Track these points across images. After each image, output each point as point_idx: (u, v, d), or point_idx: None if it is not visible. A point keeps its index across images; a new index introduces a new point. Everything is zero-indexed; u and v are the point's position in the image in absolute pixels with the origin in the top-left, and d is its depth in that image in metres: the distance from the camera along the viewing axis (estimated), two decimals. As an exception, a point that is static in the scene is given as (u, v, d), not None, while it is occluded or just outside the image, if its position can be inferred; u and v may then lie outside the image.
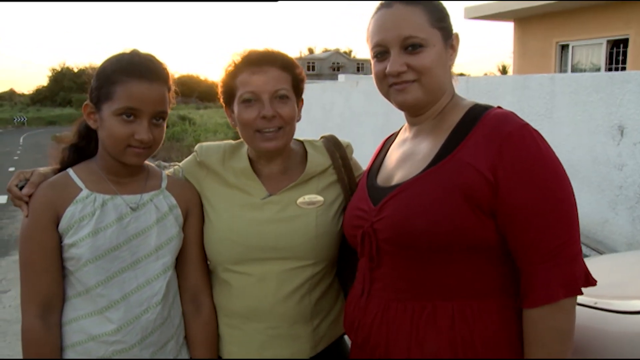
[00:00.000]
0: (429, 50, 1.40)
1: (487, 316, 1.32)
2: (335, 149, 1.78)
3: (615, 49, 10.68)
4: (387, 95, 1.50)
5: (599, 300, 1.58)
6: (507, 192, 1.27)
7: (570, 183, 1.31)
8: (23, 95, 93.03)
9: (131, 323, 1.56)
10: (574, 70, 11.22)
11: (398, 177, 1.45)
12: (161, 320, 1.61)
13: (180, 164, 1.80)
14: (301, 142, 1.81)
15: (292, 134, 1.69)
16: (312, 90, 9.86)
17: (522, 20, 11.98)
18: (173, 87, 1.63)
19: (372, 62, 1.50)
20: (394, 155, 1.56)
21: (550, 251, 1.25)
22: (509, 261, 1.33)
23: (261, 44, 1.81)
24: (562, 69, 11.44)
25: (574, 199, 1.30)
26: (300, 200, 1.67)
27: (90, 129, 1.62)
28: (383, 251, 1.40)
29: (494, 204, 1.28)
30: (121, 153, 1.54)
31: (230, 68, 1.66)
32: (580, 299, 1.27)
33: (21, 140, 32.62)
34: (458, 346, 1.30)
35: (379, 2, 1.48)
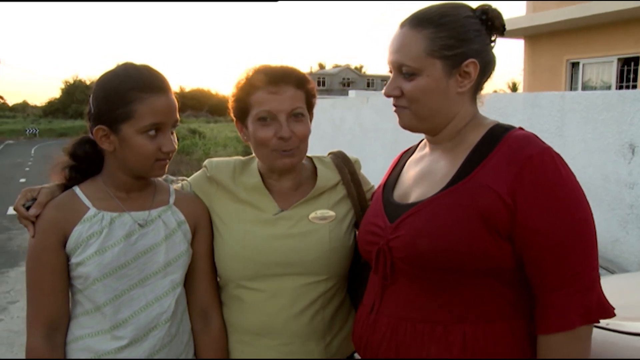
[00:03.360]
0: (421, 79, 1.39)
1: (500, 340, 1.30)
2: (344, 164, 1.79)
3: (626, 67, 10.65)
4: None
5: (611, 322, 1.57)
6: (525, 217, 1.25)
7: (590, 209, 1.29)
8: (36, 107, 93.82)
9: (139, 340, 1.55)
10: (584, 88, 11.20)
11: (415, 195, 1.43)
12: (169, 338, 1.59)
13: (189, 179, 1.79)
14: (310, 159, 1.81)
15: (307, 150, 1.70)
16: (322, 105, 9.87)
17: (533, 37, 11.98)
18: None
19: None
20: (411, 171, 1.54)
21: (568, 278, 1.24)
22: (523, 285, 1.31)
23: (272, 58, 1.84)
24: (572, 86, 11.42)
25: (594, 225, 1.28)
26: (312, 215, 1.67)
27: (90, 153, 1.60)
28: (397, 269, 1.38)
29: (512, 228, 1.26)
30: (149, 168, 1.55)
31: (245, 84, 1.65)
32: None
33: (32, 151, 32.81)
34: None
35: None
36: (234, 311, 1.70)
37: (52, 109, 79.91)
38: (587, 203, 1.29)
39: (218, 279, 1.75)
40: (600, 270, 4.00)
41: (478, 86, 1.46)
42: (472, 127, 1.43)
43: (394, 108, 1.46)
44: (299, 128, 1.62)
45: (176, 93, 1.61)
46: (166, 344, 1.58)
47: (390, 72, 1.45)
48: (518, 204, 1.25)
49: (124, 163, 1.56)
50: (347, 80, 73.65)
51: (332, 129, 9.68)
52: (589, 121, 5.01)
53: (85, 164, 1.62)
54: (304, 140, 1.65)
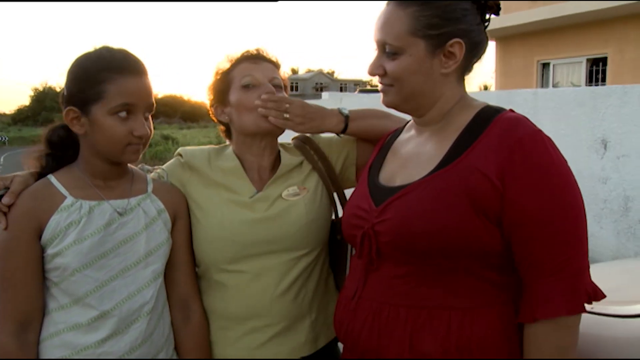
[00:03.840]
0: (404, 59, 1.36)
1: (485, 326, 1.26)
2: (304, 143, 1.84)
3: (594, 67, 10.89)
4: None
5: (595, 305, 1.57)
6: (514, 200, 1.22)
7: (580, 194, 1.26)
8: (4, 115, 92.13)
9: (120, 333, 1.49)
10: (554, 87, 11.40)
11: (402, 178, 1.39)
12: (150, 330, 1.54)
13: (164, 166, 1.77)
14: None
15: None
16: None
17: (504, 39, 12.16)
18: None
19: None
20: (397, 153, 1.51)
21: (556, 265, 1.21)
22: (511, 270, 1.29)
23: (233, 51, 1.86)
24: (543, 86, 11.62)
25: (584, 210, 1.25)
26: (285, 193, 1.69)
27: (64, 137, 1.56)
28: (382, 254, 1.34)
29: (501, 211, 1.23)
30: (120, 152, 1.49)
31: (227, 63, 1.74)
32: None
33: (1, 159, 32.19)
34: (452, 354, 1.25)
35: None
36: (216, 298, 1.68)
37: (22, 117, 78.60)
38: (578, 187, 1.26)
39: (197, 268, 1.73)
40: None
41: (466, 67, 1.43)
42: (460, 108, 1.40)
43: (380, 87, 1.44)
44: (282, 94, 1.70)
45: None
46: (147, 337, 1.53)
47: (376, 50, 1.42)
48: (507, 186, 1.22)
49: (95, 147, 1.51)
50: (320, 85, 73.75)
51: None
52: (561, 117, 5.07)
53: (60, 151, 1.56)
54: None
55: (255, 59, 1.73)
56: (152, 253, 1.56)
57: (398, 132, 1.61)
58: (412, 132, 1.52)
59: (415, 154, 1.43)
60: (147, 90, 1.51)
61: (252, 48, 1.76)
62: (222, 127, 1.81)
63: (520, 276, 1.27)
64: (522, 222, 1.22)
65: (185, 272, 1.66)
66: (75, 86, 1.48)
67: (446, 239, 1.24)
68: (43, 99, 76.85)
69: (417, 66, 1.36)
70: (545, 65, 11.63)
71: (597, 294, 1.24)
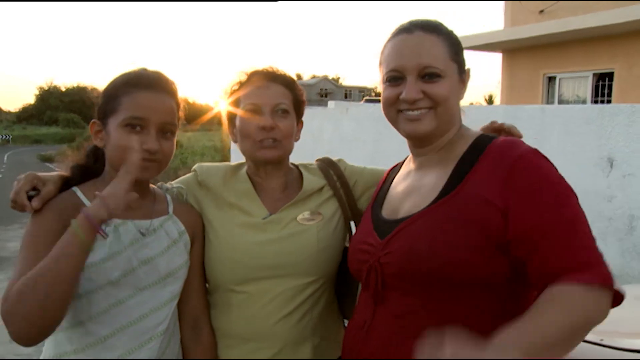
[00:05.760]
0: (445, 81, 1.39)
1: None
2: (329, 167, 1.82)
3: (601, 82, 10.86)
4: (394, 121, 1.47)
5: (605, 338, 1.55)
6: (520, 215, 1.22)
7: (580, 206, 1.26)
8: (10, 112, 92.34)
9: (133, 351, 1.48)
10: (560, 102, 11.38)
11: (405, 210, 1.41)
12: (163, 350, 1.54)
13: (179, 181, 1.77)
14: (296, 166, 1.84)
15: (290, 149, 1.73)
16: (301, 115, 9.85)
17: (510, 51, 12.15)
18: (182, 105, 1.60)
19: (383, 86, 1.47)
20: (399, 187, 1.52)
21: (580, 256, 1.17)
22: (516, 299, 1.28)
23: (249, 68, 1.82)
24: (549, 100, 11.60)
25: (587, 222, 1.25)
26: (300, 217, 1.68)
27: (97, 150, 1.58)
28: (389, 286, 1.35)
29: (508, 232, 1.23)
30: None
31: (237, 84, 1.73)
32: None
33: (5, 158, 32.30)
34: None
35: (398, 26, 1.46)
36: (222, 317, 1.69)
37: (26, 115, 78.73)
38: (576, 196, 1.27)
39: (207, 285, 1.73)
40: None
41: None
42: (458, 138, 1.44)
43: (412, 116, 1.41)
44: (283, 123, 1.67)
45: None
46: (159, 356, 1.53)
47: (399, 78, 1.41)
48: (510, 205, 1.23)
49: (110, 161, 1.52)
50: (325, 91, 73.99)
51: (311, 139, 9.65)
52: (568, 134, 5.06)
53: (92, 161, 1.59)
54: (287, 135, 1.69)
55: (261, 80, 1.70)
56: (172, 274, 1.56)
57: (398, 167, 1.64)
58: (411, 166, 1.54)
59: (416, 187, 1.44)
60: (162, 108, 1.51)
61: (262, 67, 1.73)
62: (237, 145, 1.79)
63: (545, 285, 1.19)
64: (533, 232, 1.21)
65: (197, 291, 1.67)
66: (101, 99, 1.53)
67: (451, 267, 1.24)
68: (48, 98, 77.02)
69: (455, 89, 1.42)
70: (552, 79, 11.61)
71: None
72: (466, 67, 1.45)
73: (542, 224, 1.21)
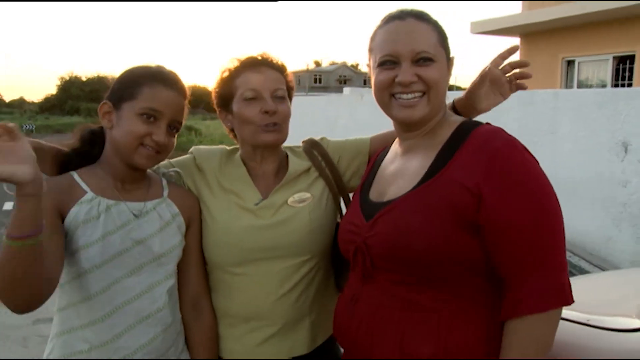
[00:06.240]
0: (437, 65, 1.45)
1: (472, 328, 1.33)
2: (313, 148, 1.87)
3: (621, 65, 10.68)
4: (386, 105, 1.51)
5: (591, 317, 1.58)
6: (493, 206, 1.28)
7: (556, 197, 1.32)
8: (33, 103, 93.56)
9: (133, 328, 1.56)
10: (579, 86, 11.23)
11: (390, 193, 1.47)
12: (163, 327, 1.62)
13: (177, 161, 1.83)
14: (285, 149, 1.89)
15: (288, 132, 1.77)
16: (317, 103, 9.89)
17: (529, 35, 12.01)
18: (188, 106, 1.70)
19: (375, 70, 1.50)
20: (387, 170, 1.58)
21: (538, 264, 1.26)
22: (494, 276, 1.34)
23: (239, 54, 1.84)
24: (567, 84, 11.45)
25: (561, 214, 1.31)
26: (291, 199, 1.74)
27: (95, 135, 1.65)
28: (375, 265, 1.41)
29: (481, 219, 1.29)
30: (132, 152, 1.56)
31: (228, 72, 1.76)
32: (573, 316, 1.26)
33: (29, 147, 32.66)
34: (440, 354, 1.31)
35: (388, 14, 1.51)
36: (222, 297, 1.76)
37: (49, 105, 79.67)
38: (554, 191, 1.32)
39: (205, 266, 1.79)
40: (593, 269, 3.99)
41: None
42: (442, 123, 1.49)
43: (406, 102, 1.45)
44: (281, 107, 1.72)
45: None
46: (160, 333, 1.61)
47: (394, 62, 1.45)
48: (485, 194, 1.28)
49: (115, 144, 1.58)
50: (343, 78, 73.53)
51: (326, 126, 9.68)
52: (581, 119, 5.02)
53: (89, 147, 1.65)
54: (286, 119, 1.74)
55: (259, 66, 1.73)
56: (166, 254, 1.63)
57: (385, 151, 1.69)
58: (398, 150, 1.59)
59: (401, 170, 1.50)
60: (177, 106, 1.62)
61: (256, 53, 1.77)
62: (228, 129, 1.84)
63: (502, 278, 1.32)
64: (502, 226, 1.28)
65: (196, 272, 1.74)
66: (118, 84, 1.61)
67: (432, 249, 1.31)
68: (69, 88, 77.79)
69: (445, 74, 1.48)
70: (570, 63, 11.46)
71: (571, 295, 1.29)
72: (451, 55, 1.51)
73: (510, 217, 1.27)
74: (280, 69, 1.77)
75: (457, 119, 1.49)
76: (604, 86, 10.63)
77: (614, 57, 10.70)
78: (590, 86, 10.96)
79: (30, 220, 1.23)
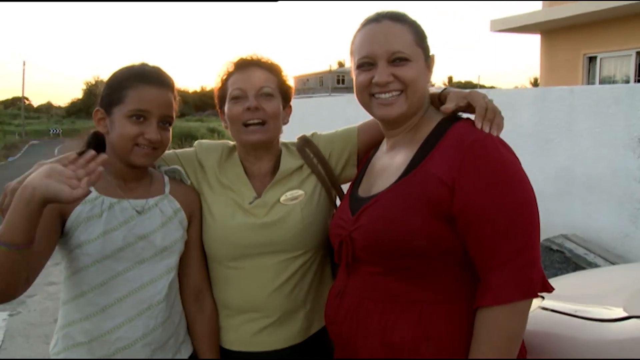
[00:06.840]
0: (413, 65, 1.49)
1: (453, 318, 1.37)
2: (305, 145, 1.90)
3: (645, 60, 10.50)
4: (367, 105, 1.57)
5: (578, 309, 1.59)
6: (464, 197, 1.33)
7: (532, 190, 1.35)
8: (59, 107, 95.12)
9: (133, 319, 1.63)
10: (602, 82, 11.06)
11: (375, 189, 1.53)
12: (162, 319, 1.68)
13: (182, 153, 1.89)
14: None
15: (277, 131, 1.81)
16: (337, 102, 9.92)
17: (549, 32, 11.88)
18: (177, 97, 1.73)
19: (355, 72, 1.57)
20: (374, 167, 1.65)
21: (508, 255, 1.30)
22: (472, 267, 1.38)
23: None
24: (589, 81, 11.30)
25: (536, 206, 1.35)
26: (283, 197, 1.79)
27: (97, 138, 1.71)
28: (359, 258, 1.48)
29: (455, 211, 1.34)
30: (129, 152, 1.62)
31: (223, 74, 1.82)
32: (561, 306, 1.28)
33: (56, 151, 33.18)
34: (421, 343, 1.36)
35: (366, 17, 1.56)
36: (220, 290, 1.83)
37: (75, 110, 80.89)
38: (529, 184, 1.36)
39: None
40: (607, 265, 3.94)
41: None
42: (425, 120, 1.54)
43: (384, 100, 1.51)
44: (267, 105, 1.75)
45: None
46: (159, 324, 1.67)
47: (371, 64, 1.51)
48: (458, 186, 1.33)
49: (113, 147, 1.65)
50: (366, 78, 72.67)
51: (345, 124, 9.71)
52: (597, 115, 4.98)
53: (93, 149, 1.67)
54: (273, 117, 1.76)
55: (247, 66, 1.78)
56: (167, 249, 1.70)
57: (377, 148, 1.74)
58: (385, 147, 1.65)
59: (386, 166, 1.56)
60: (164, 101, 1.66)
61: (245, 54, 1.82)
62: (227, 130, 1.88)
63: (476, 269, 1.36)
64: (474, 218, 1.32)
65: (197, 266, 1.82)
66: (106, 90, 1.67)
67: (411, 242, 1.36)
68: (94, 92, 78.72)
69: (422, 73, 1.52)
70: (592, 59, 11.30)
71: (546, 286, 1.33)
72: (431, 54, 1.55)
73: (480, 208, 1.31)
74: (270, 68, 1.81)
75: (438, 117, 1.53)
76: (627, 82, 10.46)
77: (637, 53, 10.52)
78: (614, 82, 10.78)
79: (24, 231, 1.26)
